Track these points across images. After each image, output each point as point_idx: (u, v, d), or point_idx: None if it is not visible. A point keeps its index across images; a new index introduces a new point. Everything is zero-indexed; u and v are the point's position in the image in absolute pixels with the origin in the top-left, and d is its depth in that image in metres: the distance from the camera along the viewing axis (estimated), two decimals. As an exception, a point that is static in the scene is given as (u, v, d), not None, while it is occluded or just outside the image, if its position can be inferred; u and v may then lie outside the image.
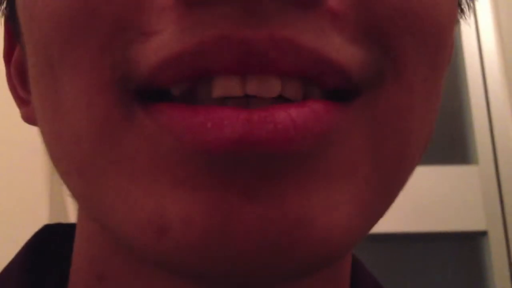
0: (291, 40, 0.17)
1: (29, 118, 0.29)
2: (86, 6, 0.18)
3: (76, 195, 0.22)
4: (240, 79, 0.18)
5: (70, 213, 1.04)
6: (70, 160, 0.20)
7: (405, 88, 0.19)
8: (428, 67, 0.20)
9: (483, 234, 1.36)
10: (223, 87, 0.18)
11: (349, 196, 0.18)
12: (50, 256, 0.30)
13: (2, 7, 0.29)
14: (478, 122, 1.41)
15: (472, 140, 1.41)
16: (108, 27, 0.18)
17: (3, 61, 0.31)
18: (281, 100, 0.18)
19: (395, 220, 1.30)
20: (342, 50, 0.18)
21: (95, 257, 0.25)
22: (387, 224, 1.32)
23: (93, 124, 0.19)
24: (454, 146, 1.42)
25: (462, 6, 0.28)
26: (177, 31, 0.17)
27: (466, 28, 1.45)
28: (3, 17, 0.30)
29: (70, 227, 0.30)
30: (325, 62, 0.18)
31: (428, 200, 1.33)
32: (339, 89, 0.19)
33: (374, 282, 0.32)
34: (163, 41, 0.17)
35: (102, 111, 0.18)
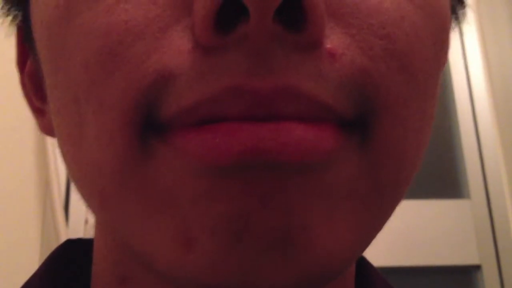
0: (294, 87, 0.18)
1: (45, 128, 0.30)
2: (111, 50, 0.19)
3: (96, 212, 0.23)
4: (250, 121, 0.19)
5: (62, 236, 1.04)
6: (92, 185, 0.21)
7: (398, 121, 0.21)
8: (419, 100, 0.21)
9: (476, 268, 1.36)
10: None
11: (347, 212, 0.20)
12: (72, 268, 0.31)
13: (17, 19, 0.30)
14: (469, 157, 1.42)
15: (464, 174, 1.42)
16: (130, 70, 0.19)
17: (17, 69, 0.32)
18: None
19: (388, 254, 1.30)
20: (338, 93, 0.19)
21: (115, 261, 0.26)
22: (380, 258, 1.32)
23: (114, 158, 0.20)
24: (446, 181, 1.43)
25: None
26: (194, 78, 0.18)
27: (455, 66, 1.48)
28: (16, 26, 0.31)
29: (91, 242, 0.31)
30: (324, 108, 0.19)
31: (421, 234, 1.33)
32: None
33: (384, 283, 0.33)
34: (181, 88, 0.19)
35: (122, 147, 0.20)
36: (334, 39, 0.19)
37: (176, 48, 0.19)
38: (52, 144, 1.06)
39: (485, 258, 1.35)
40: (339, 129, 0.19)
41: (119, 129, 0.19)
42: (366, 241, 0.21)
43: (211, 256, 0.19)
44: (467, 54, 1.49)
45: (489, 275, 1.34)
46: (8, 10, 0.30)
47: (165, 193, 0.19)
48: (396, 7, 0.20)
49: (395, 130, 0.21)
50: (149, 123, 0.19)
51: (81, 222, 1.13)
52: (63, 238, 1.05)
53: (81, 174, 0.22)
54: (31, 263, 1.02)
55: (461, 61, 1.48)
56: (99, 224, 0.28)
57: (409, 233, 1.30)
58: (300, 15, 0.18)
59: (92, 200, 0.22)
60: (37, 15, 0.23)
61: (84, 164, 0.21)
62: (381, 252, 1.30)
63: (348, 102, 0.19)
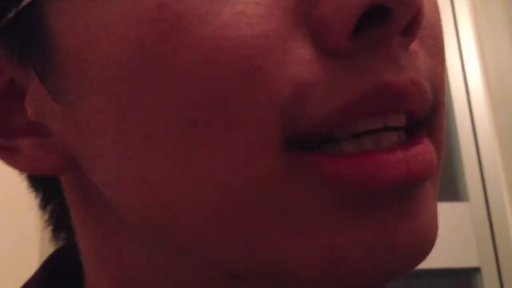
0: (419, 82, 0.21)
1: (28, 167, 0.25)
2: (242, 66, 0.19)
3: (181, 235, 0.22)
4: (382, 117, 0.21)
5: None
6: (207, 207, 0.20)
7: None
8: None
9: (476, 270, 1.36)
10: (365, 125, 0.21)
11: (436, 205, 0.23)
12: (70, 270, 0.31)
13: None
14: (468, 160, 1.42)
15: (462, 177, 1.42)
16: (267, 85, 0.19)
17: None
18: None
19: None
20: (430, 89, 0.22)
21: (122, 279, 0.26)
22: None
23: (252, 180, 0.19)
24: (445, 184, 1.42)
25: None
26: (332, 84, 0.19)
27: (452, 68, 1.48)
28: None
29: None
30: (429, 101, 0.22)
31: (420, 237, 1.33)
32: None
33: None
34: (321, 95, 0.19)
35: (263, 167, 0.19)
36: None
37: (304, 58, 0.19)
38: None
39: (485, 260, 1.35)
40: (427, 137, 0.22)
41: (258, 149, 0.19)
42: None
43: (363, 268, 0.20)
44: (463, 56, 1.49)
45: (488, 278, 1.34)
46: None
47: (309, 215, 0.20)
48: (433, 7, 0.23)
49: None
50: (291, 139, 0.20)
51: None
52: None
53: (183, 198, 0.21)
54: (30, 269, 1.02)
55: (458, 64, 1.49)
56: (105, 239, 0.26)
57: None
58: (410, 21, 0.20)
59: (195, 223, 0.21)
60: (96, 35, 0.21)
61: (195, 187, 0.20)
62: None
63: (429, 96, 0.22)
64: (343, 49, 0.19)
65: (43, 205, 0.31)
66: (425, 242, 0.21)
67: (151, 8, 0.19)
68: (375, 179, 0.20)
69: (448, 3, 1.51)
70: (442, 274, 1.36)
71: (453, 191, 1.43)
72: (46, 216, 0.32)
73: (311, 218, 0.20)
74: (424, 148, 0.21)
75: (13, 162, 0.25)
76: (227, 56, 0.19)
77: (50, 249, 0.33)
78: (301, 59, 0.19)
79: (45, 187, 0.31)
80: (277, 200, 0.20)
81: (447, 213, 1.37)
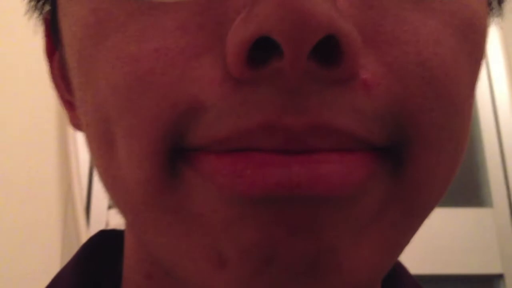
0: (329, 124, 0.18)
1: (75, 124, 0.29)
2: (141, 77, 0.19)
3: (128, 222, 0.24)
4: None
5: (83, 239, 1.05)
6: (124, 200, 0.22)
7: (432, 148, 0.20)
8: (455, 123, 0.21)
9: (499, 277, 1.34)
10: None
11: (375, 235, 0.20)
12: (106, 258, 0.32)
13: (43, 11, 0.30)
14: (492, 166, 1.41)
15: (486, 183, 1.41)
16: (160, 99, 0.19)
17: (46, 60, 0.31)
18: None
19: (409, 262, 1.29)
20: (373, 124, 0.19)
21: (142, 259, 0.27)
22: (401, 266, 1.32)
23: (143, 182, 0.20)
24: (468, 190, 1.42)
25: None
26: (225, 111, 0.18)
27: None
28: (42, 17, 0.30)
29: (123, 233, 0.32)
30: (357, 140, 0.19)
31: (443, 243, 1.32)
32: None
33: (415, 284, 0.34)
34: (211, 120, 0.18)
35: (150, 173, 0.20)
36: (369, 69, 0.19)
37: (207, 78, 0.18)
38: (74, 147, 1.07)
39: (508, 267, 1.34)
40: (372, 156, 0.19)
41: (147, 157, 0.19)
42: (394, 258, 0.21)
43: (242, 276, 0.19)
44: (490, 63, 1.47)
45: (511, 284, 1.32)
46: (37, 2, 0.30)
47: (197, 217, 0.20)
48: (433, 31, 0.20)
49: (429, 158, 0.20)
50: (177, 150, 0.19)
51: (102, 224, 1.14)
52: (84, 241, 1.06)
53: (113, 187, 0.22)
54: (52, 266, 1.03)
55: (484, 70, 1.47)
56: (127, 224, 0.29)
57: (431, 241, 1.29)
58: (335, 49, 0.17)
59: (124, 212, 0.23)
60: (67, 25, 0.23)
61: (116, 180, 0.21)
62: (403, 260, 1.29)
63: (383, 133, 0.19)
64: (242, 77, 0.18)
65: None
66: (317, 263, 0.19)
67: (87, 12, 0.21)
68: (246, 183, 0.18)
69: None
70: (465, 280, 1.34)
71: (476, 196, 1.41)
72: None
73: (199, 219, 0.20)
74: (330, 160, 0.18)
75: (69, 117, 0.29)
76: (126, 67, 0.19)
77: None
78: (203, 79, 0.18)
79: None
80: (168, 202, 0.20)
81: (470, 219, 1.35)
